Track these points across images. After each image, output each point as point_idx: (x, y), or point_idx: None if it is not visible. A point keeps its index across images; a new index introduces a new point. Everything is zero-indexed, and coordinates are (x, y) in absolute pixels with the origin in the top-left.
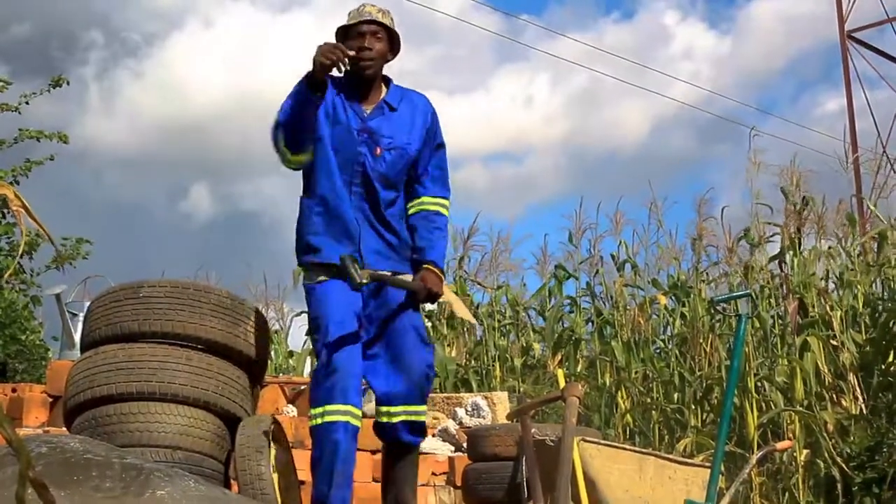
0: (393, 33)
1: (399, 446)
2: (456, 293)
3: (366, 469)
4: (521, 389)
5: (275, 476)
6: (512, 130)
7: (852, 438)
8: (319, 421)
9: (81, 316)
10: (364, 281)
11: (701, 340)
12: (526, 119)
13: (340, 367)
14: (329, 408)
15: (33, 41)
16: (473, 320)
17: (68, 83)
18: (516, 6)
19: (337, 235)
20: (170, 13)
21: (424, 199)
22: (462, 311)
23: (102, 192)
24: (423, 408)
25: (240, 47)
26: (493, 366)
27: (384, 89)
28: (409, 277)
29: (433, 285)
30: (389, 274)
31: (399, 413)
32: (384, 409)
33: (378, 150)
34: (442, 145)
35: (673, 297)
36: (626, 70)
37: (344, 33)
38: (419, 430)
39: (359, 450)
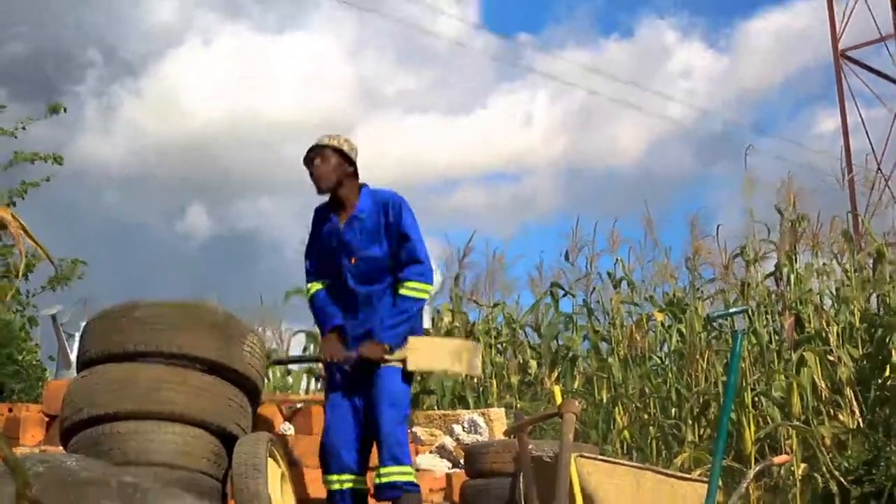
0: (340, 150)
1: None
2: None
3: None
4: (518, 406)
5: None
6: (510, 150)
7: (850, 452)
8: (326, 487)
9: (77, 336)
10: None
11: (698, 356)
12: (524, 138)
13: (326, 443)
14: (326, 477)
15: (30, 61)
16: (463, 370)
17: (65, 110)
18: (514, 25)
19: (334, 313)
20: (168, 32)
21: (398, 285)
22: (452, 367)
23: (99, 212)
24: (393, 468)
25: (238, 66)
26: (489, 383)
27: (356, 200)
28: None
29: (364, 352)
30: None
31: (379, 475)
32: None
33: (353, 260)
34: (405, 234)
35: (669, 314)
36: (624, 89)
37: (304, 162)
38: (393, 487)
39: None
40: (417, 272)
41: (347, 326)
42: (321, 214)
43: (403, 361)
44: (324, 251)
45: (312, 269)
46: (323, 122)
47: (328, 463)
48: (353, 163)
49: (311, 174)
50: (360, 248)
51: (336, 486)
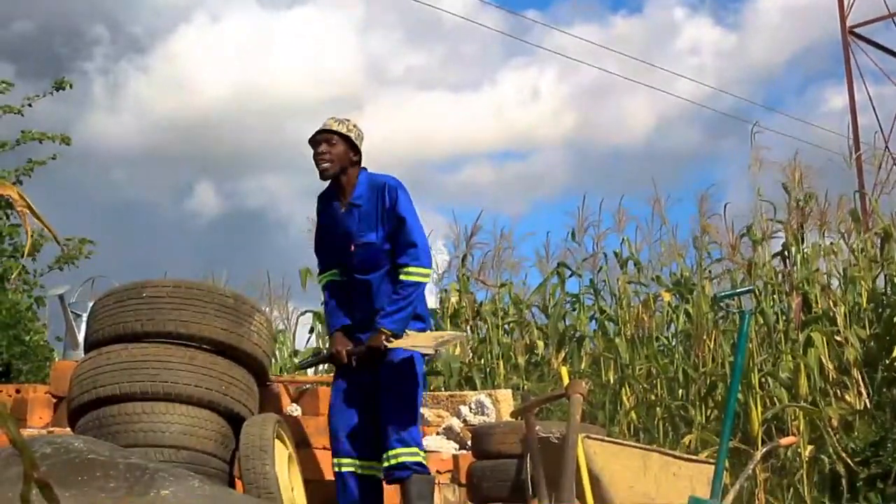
0: (347, 138)
1: (396, 483)
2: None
3: None
4: (525, 387)
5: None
6: (518, 126)
7: (856, 434)
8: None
9: (85, 316)
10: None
11: (705, 337)
12: (532, 116)
13: (329, 426)
14: (333, 460)
15: (37, 38)
16: (432, 350)
17: (71, 86)
18: (522, 1)
19: (341, 312)
20: (176, 8)
21: (400, 269)
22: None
23: (107, 191)
24: (400, 450)
25: (247, 42)
26: (496, 364)
27: (355, 187)
28: (413, 332)
29: (369, 342)
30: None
31: (388, 458)
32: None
33: (352, 247)
34: (402, 218)
35: (676, 294)
36: (633, 66)
37: (310, 143)
38: (402, 467)
39: None
40: (414, 256)
41: (353, 318)
42: (324, 202)
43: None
44: (329, 240)
45: (321, 260)
46: (331, 99)
47: (331, 446)
48: (358, 151)
49: (316, 158)
50: (359, 235)
51: (337, 469)
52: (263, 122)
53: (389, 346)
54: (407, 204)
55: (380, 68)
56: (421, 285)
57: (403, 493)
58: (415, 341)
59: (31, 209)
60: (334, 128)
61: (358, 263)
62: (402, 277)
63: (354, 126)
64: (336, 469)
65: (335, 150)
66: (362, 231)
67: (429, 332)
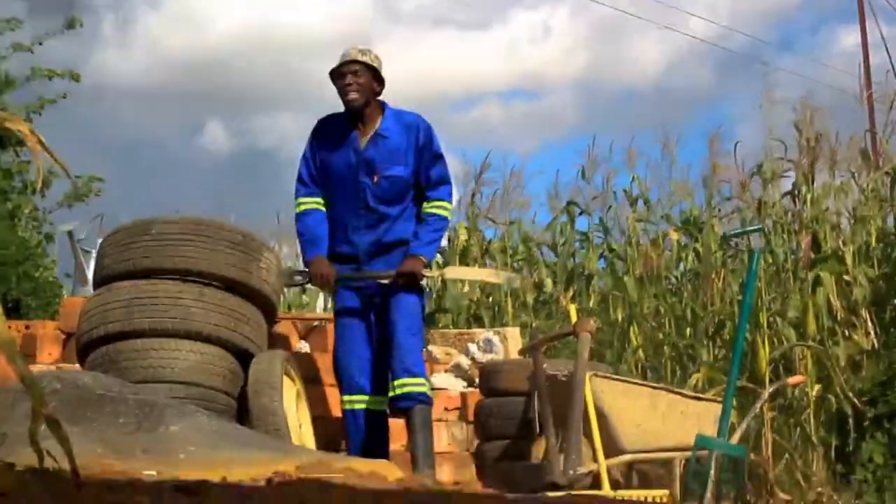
0: (373, 68)
1: (399, 415)
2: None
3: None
4: (534, 325)
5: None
6: (529, 65)
7: (864, 373)
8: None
9: (94, 253)
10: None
11: (713, 276)
12: (543, 54)
13: (338, 365)
14: (343, 398)
15: None
16: (501, 281)
17: (82, 25)
18: None
19: (325, 241)
20: None
21: (426, 204)
22: (488, 277)
23: (117, 129)
24: (407, 380)
25: None
26: (505, 301)
27: (379, 119)
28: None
29: (405, 267)
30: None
31: (393, 387)
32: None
33: (375, 178)
34: (438, 156)
35: (685, 233)
36: (645, 4)
37: (333, 75)
38: (408, 398)
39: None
40: (448, 192)
41: (359, 242)
42: (330, 128)
43: (441, 274)
44: (334, 167)
45: (310, 183)
46: (342, 36)
47: (341, 384)
48: (382, 82)
49: (342, 89)
50: (383, 167)
51: (348, 407)
52: (273, 60)
53: (425, 273)
54: (439, 143)
55: (391, 5)
56: (447, 220)
57: (408, 422)
58: (476, 274)
59: (42, 144)
60: (359, 58)
61: (381, 193)
62: (434, 210)
63: (377, 56)
64: (348, 407)
65: (361, 79)
66: (389, 163)
67: (488, 268)
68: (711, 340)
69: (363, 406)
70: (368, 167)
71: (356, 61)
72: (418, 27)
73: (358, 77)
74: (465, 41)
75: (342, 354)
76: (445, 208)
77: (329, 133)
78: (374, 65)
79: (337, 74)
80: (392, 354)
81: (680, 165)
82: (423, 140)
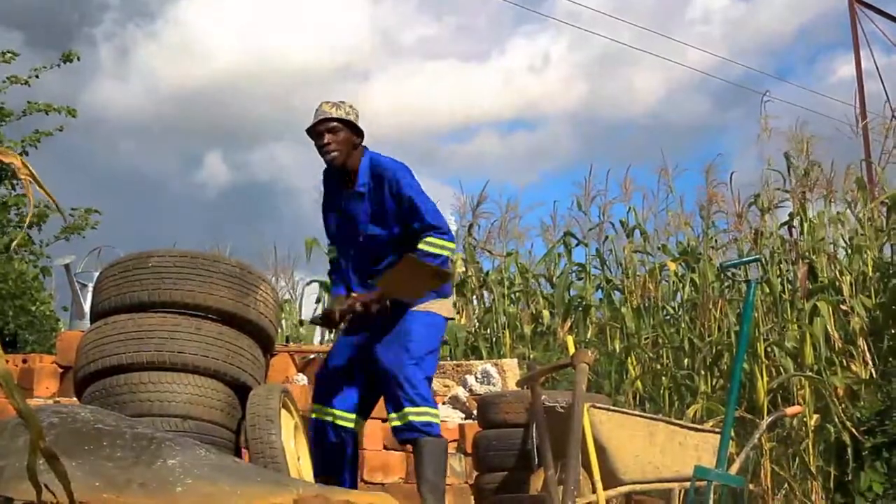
0: (349, 122)
1: (407, 444)
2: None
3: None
4: (531, 356)
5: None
6: (527, 96)
7: (862, 403)
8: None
9: (91, 286)
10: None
11: (711, 306)
12: (541, 86)
13: (319, 380)
14: (314, 406)
15: (45, 3)
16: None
17: (79, 58)
18: None
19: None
20: None
21: (416, 245)
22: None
23: (114, 161)
24: (407, 409)
25: (255, 10)
26: (502, 333)
27: (358, 172)
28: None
29: (361, 298)
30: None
31: (392, 419)
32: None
33: (360, 237)
34: (411, 201)
35: (683, 264)
36: (643, 35)
37: (310, 134)
38: (409, 428)
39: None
40: (439, 234)
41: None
42: (329, 183)
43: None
44: (331, 222)
45: (329, 233)
46: (341, 68)
47: (314, 392)
48: (361, 133)
49: (321, 149)
50: (364, 226)
51: (315, 416)
52: (272, 92)
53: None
54: (414, 191)
55: (390, 38)
56: (440, 257)
57: (414, 455)
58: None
59: (34, 178)
60: (333, 114)
61: (368, 251)
62: (419, 245)
63: (351, 107)
64: (315, 416)
65: (339, 136)
66: (368, 223)
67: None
68: (709, 371)
69: (330, 419)
70: (352, 226)
71: (331, 119)
72: (418, 59)
73: (335, 134)
74: (463, 72)
75: (323, 368)
76: (432, 244)
77: (327, 186)
78: (350, 118)
79: (313, 134)
80: (386, 384)
81: (676, 196)
82: (395, 189)
